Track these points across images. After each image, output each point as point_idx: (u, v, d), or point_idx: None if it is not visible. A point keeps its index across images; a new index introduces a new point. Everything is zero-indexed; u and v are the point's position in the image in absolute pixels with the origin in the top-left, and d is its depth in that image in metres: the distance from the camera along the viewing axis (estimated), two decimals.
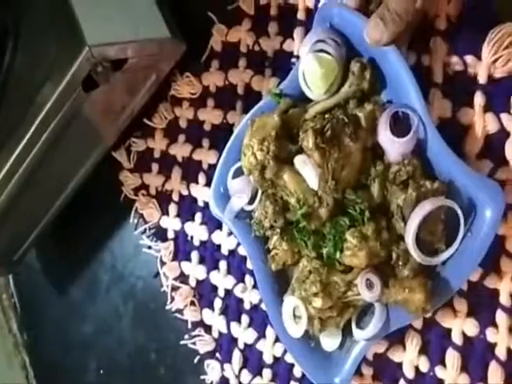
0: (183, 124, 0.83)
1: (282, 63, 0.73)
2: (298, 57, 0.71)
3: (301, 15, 0.71)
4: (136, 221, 0.89)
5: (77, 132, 0.77)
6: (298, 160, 0.61)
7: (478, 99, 0.60)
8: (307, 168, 0.60)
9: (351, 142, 0.59)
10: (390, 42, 0.57)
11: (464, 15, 0.60)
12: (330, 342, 0.65)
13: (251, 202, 0.67)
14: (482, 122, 0.60)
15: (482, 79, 0.60)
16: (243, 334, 0.77)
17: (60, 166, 0.82)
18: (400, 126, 0.59)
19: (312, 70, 0.61)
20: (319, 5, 0.68)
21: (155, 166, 0.86)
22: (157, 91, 0.81)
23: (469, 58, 0.60)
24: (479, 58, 0.60)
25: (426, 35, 0.62)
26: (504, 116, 0.59)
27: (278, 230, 0.64)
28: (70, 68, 0.66)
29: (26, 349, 1.08)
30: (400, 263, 0.58)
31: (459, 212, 0.56)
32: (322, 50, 0.61)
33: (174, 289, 0.83)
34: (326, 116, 0.61)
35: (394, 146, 0.59)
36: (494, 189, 0.55)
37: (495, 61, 0.59)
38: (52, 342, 1.02)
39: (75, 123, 0.75)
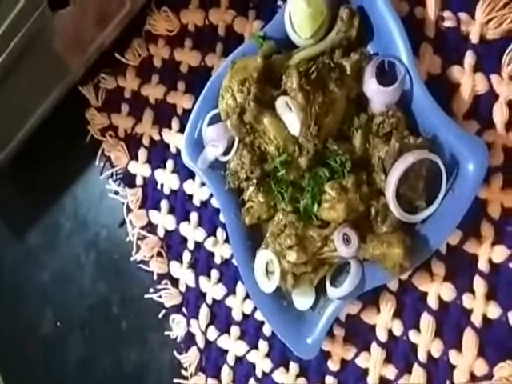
0: (158, 63, 0.83)
1: (267, 5, 0.74)
2: (284, 0, 0.72)
3: None
4: (102, 164, 0.89)
5: (40, 57, 0.75)
6: (280, 102, 0.63)
7: (469, 58, 0.63)
8: (289, 111, 0.62)
9: (336, 88, 0.61)
10: None
11: None
12: (302, 301, 0.68)
13: (226, 152, 0.68)
14: (471, 81, 0.63)
15: (474, 39, 0.63)
16: (212, 288, 0.79)
17: (19, 96, 0.81)
18: (386, 77, 0.62)
19: (299, 10, 0.63)
20: None
21: (125, 107, 0.86)
22: (131, 25, 0.81)
23: (462, 15, 0.63)
24: (473, 16, 0.63)
25: None
26: (494, 77, 0.62)
27: (255, 181, 0.66)
28: None
29: None
30: (379, 219, 0.62)
31: (442, 167, 0.59)
32: None
33: (140, 238, 0.84)
34: (311, 62, 0.63)
35: (378, 95, 0.62)
36: (478, 144, 0.59)
37: (488, 21, 0.62)
38: (6, 290, 1.02)
39: (39, 48, 0.73)
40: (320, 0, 0.63)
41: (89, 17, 0.76)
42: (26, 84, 0.79)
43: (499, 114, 0.62)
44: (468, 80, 0.63)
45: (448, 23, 0.63)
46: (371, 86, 0.62)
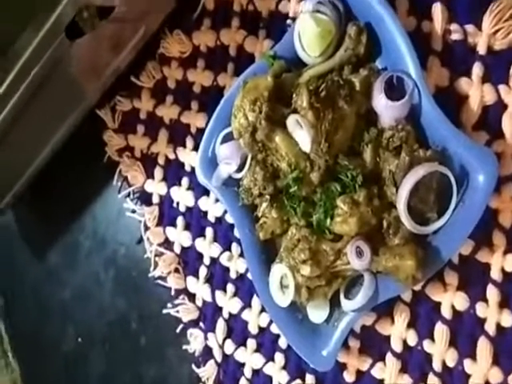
0: (171, 84, 0.84)
1: (277, 25, 0.75)
2: (293, 19, 0.73)
3: None
4: (120, 184, 0.90)
5: (58, 85, 0.77)
6: (291, 120, 0.64)
7: (477, 70, 0.63)
8: (300, 129, 0.63)
9: (346, 105, 0.62)
10: None
11: None
12: (317, 314, 0.68)
13: (240, 169, 0.69)
14: (479, 92, 0.63)
15: (481, 50, 0.63)
16: (228, 303, 0.79)
17: (40, 121, 0.82)
18: (395, 91, 0.63)
19: (308, 30, 0.64)
20: None
21: (141, 128, 0.88)
22: (145, 48, 0.83)
23: (469, 28, 0.63)
24: (480, 28, 0.63)
25: (428, 1, 0.65)
26: (502, 88, 0.62)
27: (268, 198, 0.67)
28: (53, 12, 0.66)
29: (1, 314, 1.08)
30: (391, 231, 0.62)
31: (452, 179, 0.59)
32: (319, 12, 0.64)
33: (158, 255, 0.85)
34: (321, 80, 0.64)
35: (387, 110, 0.62)
36: (488, 155, 0.59)
37: (495, 32, 0.62)
38: (29, 308, 1.03)
39: (57, 75, 0.74)
40: (328, 19, 0.64)
41: (104, 43, 0.77)
42: (45, 111, 0.80)
43: (508, 124, 0.62)
44: (476, 91, 0.63)
45: (455, 36, 0.64)
46: (380, 102, 0.62)
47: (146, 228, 0.87)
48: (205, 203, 0.81)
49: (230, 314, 0.79)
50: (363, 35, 0.63)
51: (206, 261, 0.81)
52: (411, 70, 0.61)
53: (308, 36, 0.64)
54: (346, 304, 0.66)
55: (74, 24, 0.68)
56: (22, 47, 0.69)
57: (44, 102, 0.77)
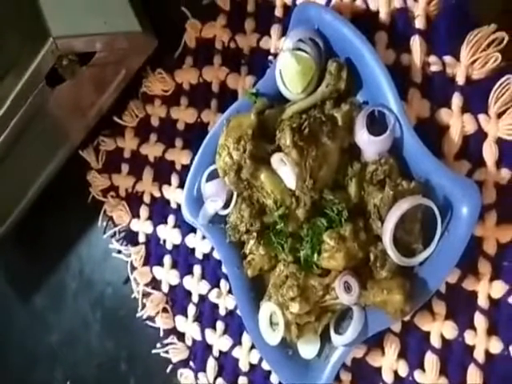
0: (155, 122, 0.85)
1: (259, 61, 0.76)
2: (274, 55, 0.74)
3: (278, 12, 0.74)
4: (105, 224, 0.90)
5: (41, 129, 0.77)
6: (276, 158, 0.64)
7: (456, 100, 0.64)
8: (284, 167, 0.63)
9: (329, 141, 0.62)
10: None
11: (443, 16, 0.64)
12: (307, 349, 0.68)
13: (226, 206, 0.69)
14: (459, 122, 0.63)
15: (460, 80, 0.64)
16: (218, 340, 0.79)
17: (23, 165, 0.82)
18: (377, 125, 0.63)
19: (289, 67, 0.65)
20: (297, 2, 0.71)
21: (125, 167, 0.88)
22: (127, 88, 0.83)
23: (447, 59, 0.64)
24: (458, 58, 0.64)
25: (406, 34, 0.65)
26: (481, 117, 0.63)
27: (255, 234, 0.67)
28: (32, 61, 0.66)
29: None
30: (378, 264, 0.62)
31: (436, 211, 0.60)
32: (299, 49, 0.64)
33: (146, 295, 0.85)
34: (303, 116, 0.64)
35: (370, 145, 0.63)
36: (470, 187, 0.59)
37: (473, 62, 0.63)
38: (17, 353, 1.01)
39: (39, 120, 0.75)
40: (309, 56, 0.64)
41: (86, 86, 0.77)
42: (28, 155, 0.80)
43: (489, 153, 0.62)
44: (457, 121, 0.64)
45: (434, 67, 0.65)
46: (362, 137, 0.63)
47: (133, 268, 0.86)
48: (192, 240, 0.81)
49: (221, 352, 0.79)
50: (343, 71, 0.64)
51: (195, 299, 0.81)
52: (392, 105, 0.62)
53: (289, 74, 0.65)
54: (337, 339, 0.65)
55: (54, 71, 0.68)
56: (3, 97, 0.70)
57: (27, 146, 0.78)
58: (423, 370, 0.66)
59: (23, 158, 0.80)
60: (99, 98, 0.82)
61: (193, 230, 0.81)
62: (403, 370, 0.67)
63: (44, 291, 0.97)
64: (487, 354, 0.63)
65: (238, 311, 0.77)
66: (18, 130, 0.74)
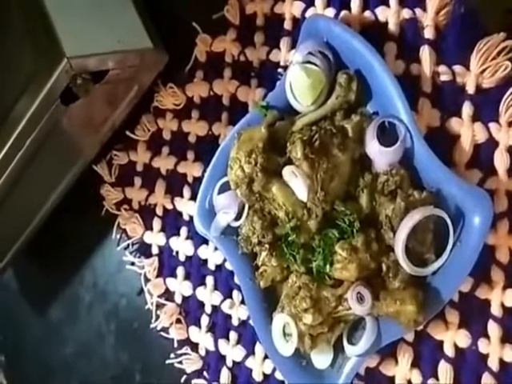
0: (167, 136, 0.85)
1: (268, 74, 0.75)
2: (284, 67, 0.74)
3: (287, 25, 0.74)
4: (118, 236, 0.90)
5: (56, 146, 0.78)
6: (287, 171, 0.64)
7: (467, 109, 0.63)
8: (296, 179, 0.63)
9: (339, 153, 0.62)
10: None
11: (452, 25, 0.64)
12: (321, 359, 0.67)
13: (238, 217, 0.69)
14: (470, 131, 0.63)
15: (470, 89, 0.63)
16: (231, 351, 0.78)
17: (39, 181, 0.83)
18: (387, 136, 0.63)
19: (299, 80, 0.64)
20: (306, 14, 0.71)
21: (138, 180, 0.88)
22: (139, 102, 0.83)
23: (457, 68, 0.64)
24: (467, 68, 0.63)
25: (416, 44, 0.65)
26: (492, 125, 0.62)
27: (267, 246, 0.66)
28: (47, 80, 0.67)
29: (4, 372, 1.07)
30: (390, 275, 0.61)
31: (448, 221, 0.59)
32: (309, 62, 0.64)
33: (159, 306, 0.85)
34: (314, 128, 0.64)
35: (381, 156, 0.62)
36: (482, 197, 0.59)
37: (483, 71, 0.62)
38: (31, 365, 1.01)
39: (54, 137, 0.76)
40: (318, 69, 0.64)
41: (99, 103, 0.78)
42: (44, 171, 0.81)
43: (500, 161, 0.62)
44: (467, 130, 0.63)
45: (444, 77, 0.64)
46: (373, 148, 0.62)
47: (147, 280, 0.86)
48: (204, 251, 0.81)
49: (234, 362, 0.78)
50: (353, 83, 0.64)
51: (208, 309, 0.80)
52: (402, 116, 0.61)
53: (299, 87, 0.65)
54: (350, 349, 0.65)
55: (69, 89, 0.69)
56: (19, 116, 0.71)
57: (42, 163, 0.78)
58: (437, 379, 0.65)
59: (39, 174, 0.81)
60: (112, 114, 0.82)
61: (205, 241, 0.80)
62: (417, 379, 0.66)
63: (59, 303, 0.98)
64: (501, 362, 0.62)
65: (250, 321, 0.76)
66: (34, 148, 0.74)
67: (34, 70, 0.70)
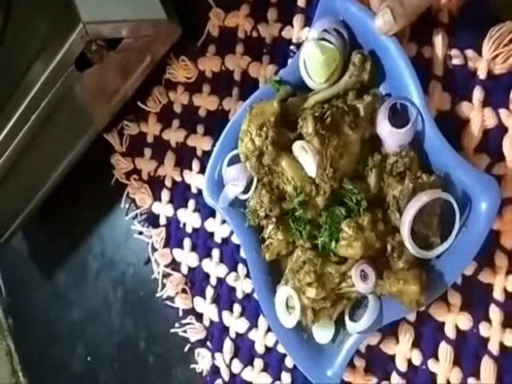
0: (177, 109, 0.84)
1: (280, 50, 0.75)
2: (296, 44, 0.73)
3: (301, 2, 0.73)
4: (127, 206, 0.90)
5: (68, 113, 0.78)
6: (297, 146, 0.63)
7: (477, 94, 0.62)
8: (306, 154, 0.62)
9: (350, 131, 0.61)
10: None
11: (465, 10, 0.63)
12: (322, 334, 0.67)
13: (246, 190, 0.68)
14: (480, 116, 0.62)
15: (481, 74, 0.62)
16: (235, 322, 0.78)
17: (50, 147, 0.83)
18: (398, 117, 0.62)
19: (314, 57, 0.63)
20: None
21: (148, 151, 0.88)
22: (151, 74, 0.82)
23: (469, 53, 0.63)
24: (480, 53, 0.62)
25: (429, 27, 0.64)
26: (502, 111, 0.61)
27: (274, 220, 0.66)
28: (63, 45, 0.67)
29: (10, 334, 1.08)
30: (395, 255, 0.61)
31: (455, 205, 0.58)
32: (323, 39, 0.63)
33: (165, 276, 0.85)
34: (326, 105, 0.63)
35: (391, 137, 0.61)
36: (490, 182, 0.58)
37: (495, 57, 0.61)
38: (38, 328, 1.02)
39: (66, 103, 0.76)
40: (333, 47, 0.63)
41: (112, 71, 0.78)
42: (55, 137, 0.81)
43: (509, 147, 0.61)
44: (477, 115, 0.62)
45: (456, 61, 0.63)
46: (384, 128, 0.62)
47: (154, 249, 0.86)
48: (211, 224, 0.81)
49: (237, 334, 0.78)
50: (367, 63, 0.63)
51: (213, 281, 0.80)
52: (415, 98, 0.60)
53: (313, 63, 0.64)
54: (351, 326, 0.64)
55: (83, 55, 0.69)
56: (33, 80, 0.70)
57: (54, 128, 0.78)
58: (437, 360, 0.65)
59: (51, 140, 0.81)
60: (124, 84, 0.82)
61: (212, 214, 0.80)
62: (417, 359, 0.66)
63: (67, 270, 0.98)
64: (501, 346, 0.61)
65: (254, 295, 0.76)
66: (47, 112, 0.74)
67: (50, 35, 0.69)
